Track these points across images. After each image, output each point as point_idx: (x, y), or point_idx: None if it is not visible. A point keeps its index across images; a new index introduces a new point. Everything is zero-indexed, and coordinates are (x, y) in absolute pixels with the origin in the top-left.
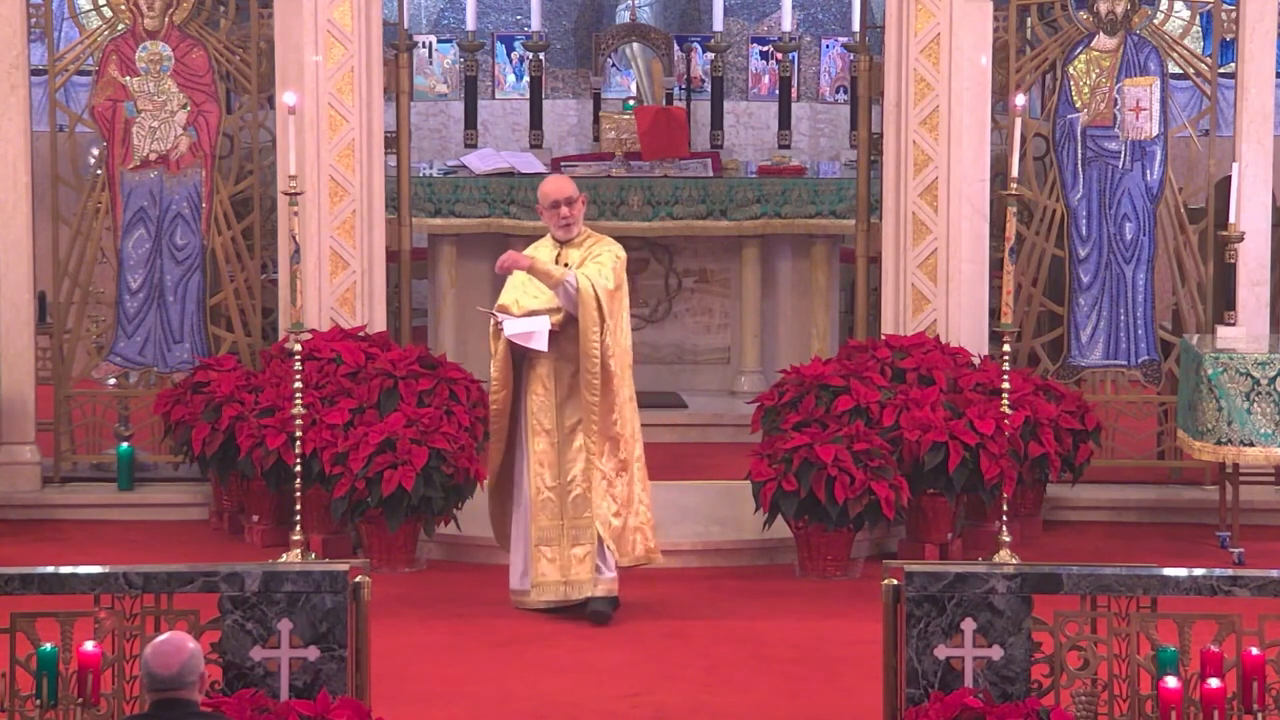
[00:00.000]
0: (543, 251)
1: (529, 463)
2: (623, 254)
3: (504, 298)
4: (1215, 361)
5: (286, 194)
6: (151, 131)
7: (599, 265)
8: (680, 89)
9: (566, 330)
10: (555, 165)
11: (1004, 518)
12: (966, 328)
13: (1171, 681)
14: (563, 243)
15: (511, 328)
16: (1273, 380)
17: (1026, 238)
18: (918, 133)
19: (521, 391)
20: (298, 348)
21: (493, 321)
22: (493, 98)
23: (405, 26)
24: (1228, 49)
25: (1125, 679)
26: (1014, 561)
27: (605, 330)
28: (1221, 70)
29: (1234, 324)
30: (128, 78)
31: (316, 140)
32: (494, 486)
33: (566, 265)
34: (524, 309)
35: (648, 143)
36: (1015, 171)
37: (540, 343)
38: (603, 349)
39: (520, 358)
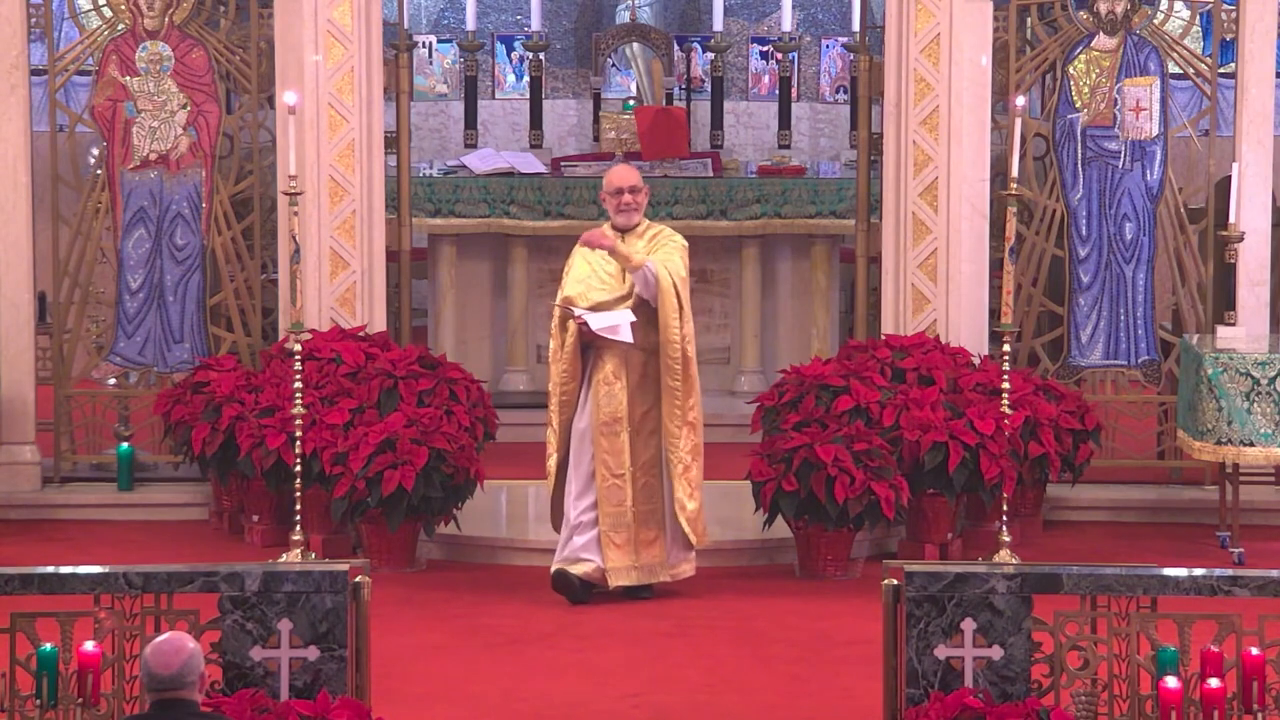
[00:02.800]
0: None
1: (595, 452)
2: (685, 243)
3: (569, 290)
4: (1215, 361)
5: (286, 194)
6: (151, 131)
7: (666, 256)
8: (680, 89)
9: (638, 319)
10: (555, 165)
11: (1004, 518)
12: (966, 328)
13: (1171, 681)
14: (623, 232)
15: (597, 322)
16: (1273, 380)
17: (1026, 238)
18: (918, 133)
19: (585, 383)
20: (298, 348)
21: (556, 314)
22: (493, 98)
23: (405, 26)
24: (1228, 49)
25: (1125, 679)
26: (1014, 561)
27: (684, 318)
28: (1221, 70)
29: (1234, 324)
30: (128, 78)
31: (316, 140)
32: (557, 478)
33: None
34: (591, 301)
35: (648, 143)
36: (1015, 171)
37: (627, 334)
38: (683, 336)
39: (587, 349)
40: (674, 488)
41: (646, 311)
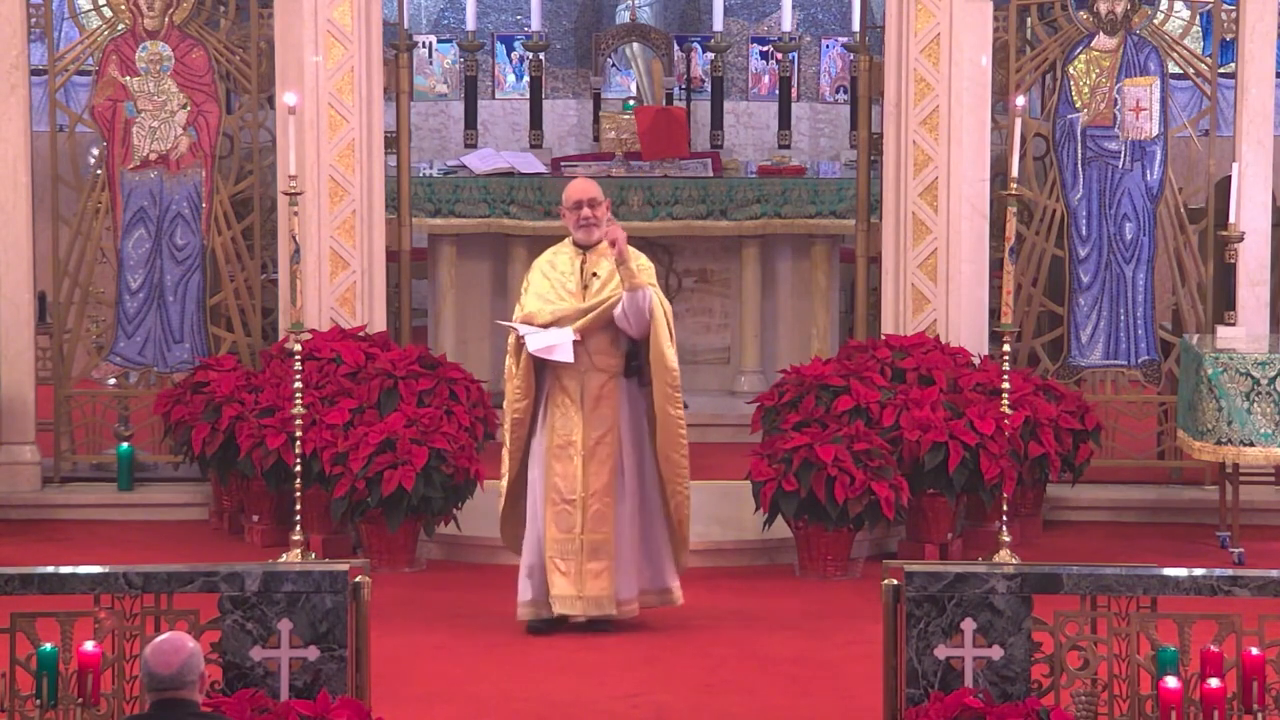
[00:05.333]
0: (562, 258)
1: (548, 475)
2: (651, 264)
3: (529, 305)
4: (1215, 361)
5: (286, 194)
6: (151, 131)
7: (649, 279)
8: (680, 89)
9: (595, 341)
10: (555, 165)
11: (1004, 518)
12: (966, 328)
13: (1171, 681)
14: (585, 248)
15: (535, 343)
16: (1273, 380)
17: (1026, 238)
18: (918, 133)
19: (543, 402)
20: (298, 348)
21: (513, 334)
22: (493, 98)
23: (405, 26)
24: (1228, 49)
25: (1125, 679)
26: (1014, 561)
27: (673, 344)
28: (1221, 70)
29: (1234, 324)
30: (128, 78)
31: (316, 140)
32: (510, 495)
33: (594, 275)
34: (551, 314)
35: (648, 143)
36: (1015, 171)
37: (565, 354)
38: (675, 364)
39: (543, 368)
40: (681, 523)
41: (611, 332)
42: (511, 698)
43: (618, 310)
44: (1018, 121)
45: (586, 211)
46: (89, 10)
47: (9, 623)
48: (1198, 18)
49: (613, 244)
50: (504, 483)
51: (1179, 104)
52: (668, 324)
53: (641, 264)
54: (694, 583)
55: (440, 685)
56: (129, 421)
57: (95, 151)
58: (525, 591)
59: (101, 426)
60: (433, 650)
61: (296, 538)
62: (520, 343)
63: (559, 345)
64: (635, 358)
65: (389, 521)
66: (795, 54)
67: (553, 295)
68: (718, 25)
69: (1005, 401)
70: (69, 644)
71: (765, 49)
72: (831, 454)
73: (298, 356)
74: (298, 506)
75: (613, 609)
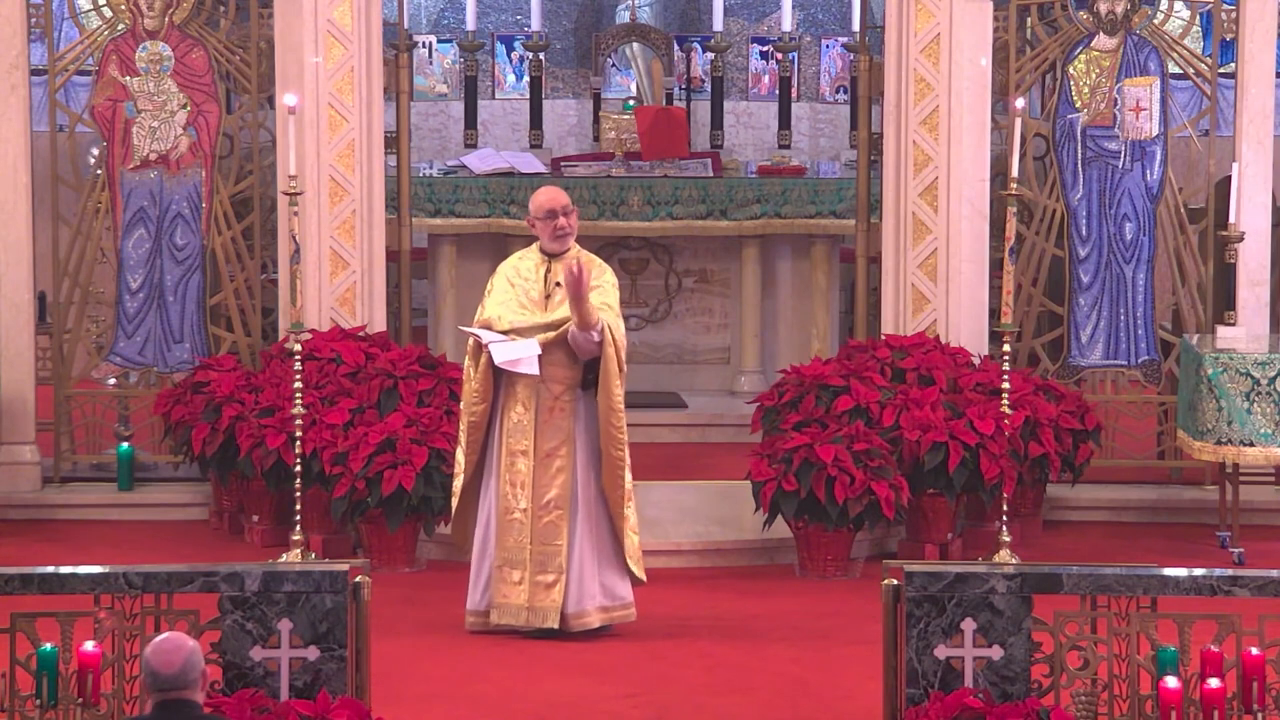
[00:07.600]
0: (527, 264)
1: (499, 482)
2: (615, 279)
3: (489, 311)
4: (1215, 361)
5: (286, 194)
6: (151, 131)
7: (605, 300)
8: (680, 89)
9: (552, 354)
10: (555, 165)
11: (1004, 518)
12: (966, 328)
13: (1171, 681)
14: (552, 256)
15: (500, 354)
16: (1273, 380)
17: (1026, 238)
18: (918, 133)
19: (498, 408)
20: (298, 348)
21: (473, 338)
22: (493, 98)
23: (405, 26)
24: (1228, 49)
25: (1125, 679)
26: (1014, 561)
27: (623, 379)
28: (1221, 70)
29: (1234, 324)
30: (128, 78)
31: (316, 140)
32: (462, 500)
33: (558, 285)
34: (509, 324)
35: (648, 143)
36: (1015, 171)
37: (530, 367)
38: (622, 400)
39: (500, 373)
40: (628, 549)
41: (568, 347)
42: (511, 698)
43: (574, 334)
44: (1018, 121)
45: (561, 221)
46: (89, 10)
47: (9, 623)
48: (1198, 18)
49: (574, 284)
50: (458, 483)
51: (1179, 104)
52: (619, 359)
53: (606, 280)
54: (694, 583)
55: (440, 685)
56: (129, 421)
57: (95, 151)
58: (476, 601)
59: (101, 426)
60: (433, 650)
61: (296, 538)
62: (480, 346)
63: (524, 359)
64: (593, 371)
65: (389, 521)
66: (795, 54)
67: (514, 304)
68: (718, 25)
69: (1005, 401)
70: (69, 644)
71: (765, 49)
72: (831, 454)
73: (298, 356)
74: (298, 506)
75: (556, 622)
